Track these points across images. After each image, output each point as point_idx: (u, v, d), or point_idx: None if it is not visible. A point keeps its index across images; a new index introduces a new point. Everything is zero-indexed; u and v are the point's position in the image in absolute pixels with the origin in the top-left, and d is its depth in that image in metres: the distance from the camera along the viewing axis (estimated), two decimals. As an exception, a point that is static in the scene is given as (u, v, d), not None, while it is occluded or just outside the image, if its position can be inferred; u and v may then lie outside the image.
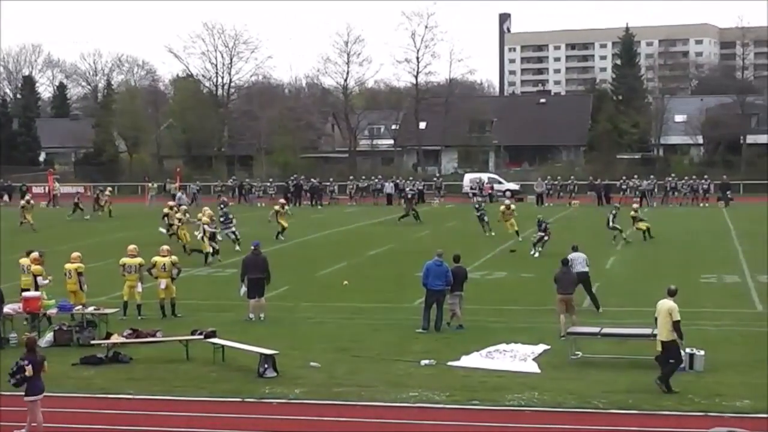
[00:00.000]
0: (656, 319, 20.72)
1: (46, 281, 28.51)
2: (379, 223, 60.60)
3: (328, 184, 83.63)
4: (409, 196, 66.49)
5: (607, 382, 20.87)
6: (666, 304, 20.47)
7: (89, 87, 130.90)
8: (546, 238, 42.99)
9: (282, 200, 54.34)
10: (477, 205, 53.80)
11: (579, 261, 29.10)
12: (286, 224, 49.35)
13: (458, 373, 21.99)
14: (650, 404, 19.17)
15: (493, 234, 49.69)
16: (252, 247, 30.29)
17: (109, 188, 75.46)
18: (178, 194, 68.86)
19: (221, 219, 45.42)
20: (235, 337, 24.54)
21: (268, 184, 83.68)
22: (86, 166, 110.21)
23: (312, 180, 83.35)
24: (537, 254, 42.23)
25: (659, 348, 20.54)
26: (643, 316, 28.16)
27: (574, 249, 29.87)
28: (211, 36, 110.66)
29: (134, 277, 29.31)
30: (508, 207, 49.45)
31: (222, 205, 49.63)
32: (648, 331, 23.67)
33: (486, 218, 51.16)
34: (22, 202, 58.81)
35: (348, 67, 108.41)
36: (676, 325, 20.19)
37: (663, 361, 20.39)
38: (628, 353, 23.27)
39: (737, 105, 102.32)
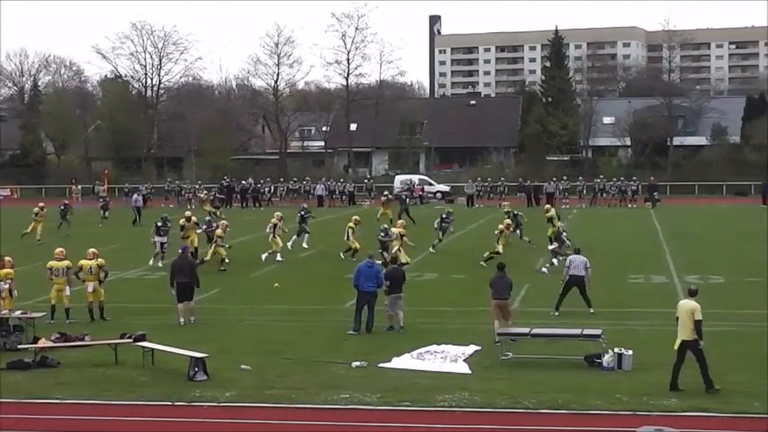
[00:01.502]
0: (677, 318, 20.77)
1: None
2: (310, 225, 60.40)
3: (259, 185, 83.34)
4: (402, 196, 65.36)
5: (536, 382, 21.04)
6: (688, 304, 20.61)
7: (15, 88, 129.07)
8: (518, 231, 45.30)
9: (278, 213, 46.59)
10: (445, 215, 47.26)
11: (577, 264, 29.27)
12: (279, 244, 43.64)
13: (390, 375, 22.05)
14: (579, 404, 19.35)
15: (432, 251, 44.93)
16: (179, 251, 30.15)
17: (205, 189, 75.17)
18: (135, 197, 67.57)
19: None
20: (165, 340, 24.39)
21: (198, 186, 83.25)
22: (13, 168, 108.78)
23: (243, 182, 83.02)
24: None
25: (676, 347, 20.64)
26: (572, 316, 28.46)
27: (576, 252, 30.09)
28: (140, 37, 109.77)
29: (62, 280, 29.03)
30: (508, 227, 42.25)
31: (302, 211, 49.37)
32: (577, 331, 23.98)
33: (446, 233, 46.87)
34: (36, 209, 53.97)
35: (278, 68, 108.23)
36: (697, 325, 20.30)
37: (680, 361, 20.47)
38: (557, 353, 23.48)
39: (664, 107, 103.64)
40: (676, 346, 20.63)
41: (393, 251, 38.59)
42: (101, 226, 61.54)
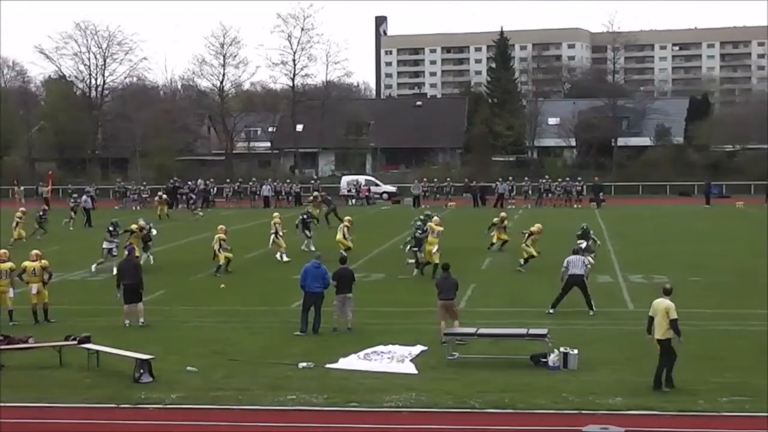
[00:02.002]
0: (651, 318, 20.91)
1: None
2: (257, 226, 60.30)
3: (206, 186, 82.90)
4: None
5: (482, 381, 21.10)
6: (663, 303, 20.73)
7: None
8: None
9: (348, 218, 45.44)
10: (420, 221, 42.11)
11: (576, 263, 29.22)
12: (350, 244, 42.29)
13: (336, 375, 22.03)
14: (525, 403, 19.44)
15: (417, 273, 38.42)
16: (126, 252, 29.95)
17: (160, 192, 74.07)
18: (84, 198, 66.56)
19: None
20: (111, 342, 24.20)
21: (143, 187, 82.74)
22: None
23: (190, 182, 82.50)
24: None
25: (653, 343, 20.81)
26: (518, 316, 28.61)
27: (574, 252, 29.97)
28: (84, 37, 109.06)
29: (5, 282, 28.71)
30: (540, 231, 40.01)
31: (305, 215, 47.57)
32: (522, 331, 24.09)
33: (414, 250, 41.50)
34: (19, 213, 52.76)
35: (224, 69, 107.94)
36: (673, 324, 20.44)
37: (664, 360, 20.63)
38: (502, 353, 23.58)
39: (609, 108, 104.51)
40: (653, 343, 20.80)
41: (434, 250, 37.22)
42: (72, 229, 60.57)
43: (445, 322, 25.35)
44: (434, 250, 37.20)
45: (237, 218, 65.98)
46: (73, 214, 63.15)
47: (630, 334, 26.12)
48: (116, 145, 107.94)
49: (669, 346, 20.50)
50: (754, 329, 25.49)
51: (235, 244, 45.20)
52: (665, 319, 20.49)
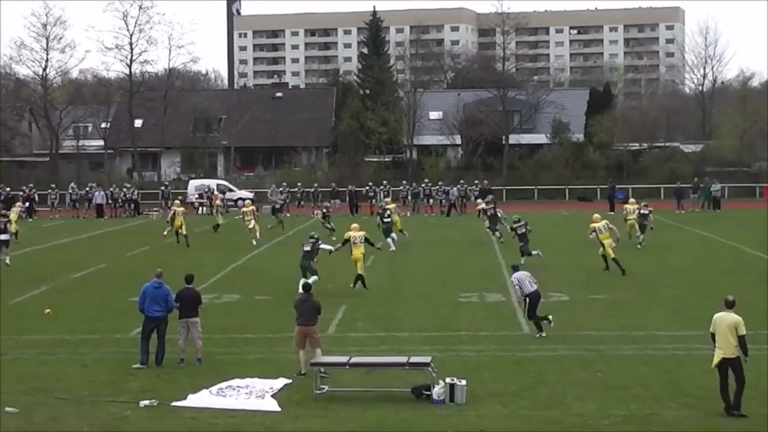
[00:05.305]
0: (713, 335, 21.18)
1: None
2: (87, 239, 59.61)
3: (26, 192, 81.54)
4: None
5: (356, 418, 21.14)
6: (728, 317, 20.99)
7: None
8: None
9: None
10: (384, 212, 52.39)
11: (524, 280, 29.29)
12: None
13: (184, 415, 21.85)
14: (405, 443, 19.52)
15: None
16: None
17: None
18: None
19: None
20: None
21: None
22: None
23: (8, 188, 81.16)
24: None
25: (714, 365, 21.10)
26: (393, 342, 28.69)
27: (515, 269, 30.14)
28: None
29: None
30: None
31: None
32: (403, 359, 24.13)
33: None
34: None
35: (47, 53, 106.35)
36: (741, 341, 20.73)
37: (725, 380, 20.96)
38: (379, 385, 23.58)
39: (498, 101, 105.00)
40: (714, 365, 21.13)
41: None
42: None
43: (304, 351, 25.18)
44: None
45: (63, 230, 65.07)
46: None
47: (523, 360, 26.41)
48: None
49: (739, 365, 20.85)
50: (660, 353, 25.93)
51: (61, 261, 44.62)
52: (733, 336, 20.83)
